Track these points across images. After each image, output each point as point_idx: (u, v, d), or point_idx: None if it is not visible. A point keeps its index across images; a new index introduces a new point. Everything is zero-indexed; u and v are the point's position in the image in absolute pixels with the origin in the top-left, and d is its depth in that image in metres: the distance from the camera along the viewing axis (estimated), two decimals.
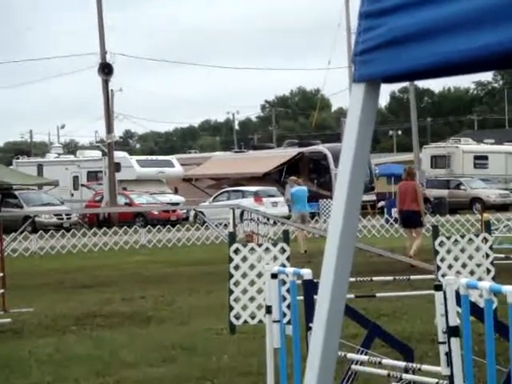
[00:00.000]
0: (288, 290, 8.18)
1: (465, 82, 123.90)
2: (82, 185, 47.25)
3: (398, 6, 1.88)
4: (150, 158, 51.38)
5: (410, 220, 18.39)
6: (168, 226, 31.92)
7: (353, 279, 10.68)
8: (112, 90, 43.70)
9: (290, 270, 7.45)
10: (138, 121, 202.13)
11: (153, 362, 9.26)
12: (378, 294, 10.77)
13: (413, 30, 1.85)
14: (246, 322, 10.56)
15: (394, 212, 34.45)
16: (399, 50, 1.87)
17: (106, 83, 41.22)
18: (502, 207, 42.74)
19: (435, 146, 53.44)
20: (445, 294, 6.13)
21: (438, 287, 6.35)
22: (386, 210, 36.68)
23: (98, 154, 48.00)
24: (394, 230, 30.04)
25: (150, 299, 14.46)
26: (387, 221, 32.67)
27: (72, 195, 47.25)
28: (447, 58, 1.81)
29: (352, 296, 9.68)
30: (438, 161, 50.54)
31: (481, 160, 49.55)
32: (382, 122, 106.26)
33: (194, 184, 48.60)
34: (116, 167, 42.42)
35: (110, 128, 41.54)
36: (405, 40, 1.87)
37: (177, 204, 41.60)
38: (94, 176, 46.94)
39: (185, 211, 40.88)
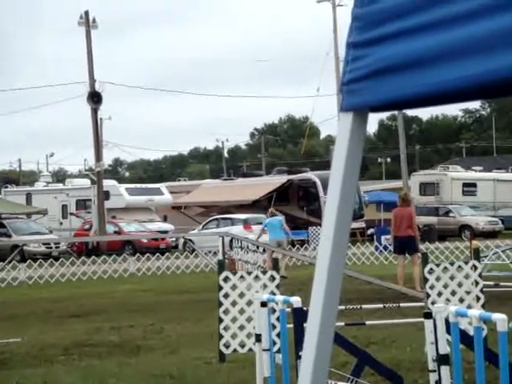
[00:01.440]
0: (278, 318, 8.16)
1: (453, 109, 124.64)
2: (71, 213, 47.16)
3: (386, 36, 1.89)
4: (139, 186, 51.35)
5: (406, 246, 18.47)
6: (157, 254, 31.83)
7: (342, 307, 10.67)
8: (101, 119, 43.65)
9: (279, 297, 7.45)
10: (127, 149, 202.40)
11: None
12: (367, 322, 10.77)
13: (400, 60, 1.86)
14: (235, 350, 10.51)
15: (384, 239, 34.53)
16: (386, 80, 1.89)
17: (95, 112, 41.27)
18: (490, 234, 42.83)
19: (424, 174, 53.63)
20: (434, 321, 6.13)
21: (428, 315, 6.36)
22: (375, 237, 36.70)
23: (86, 182, 47.94)
24: (384, 257, 30.04)
25: (139, 328, 14.40)
26: (377, 248, 32.68)
27: (61, 224, 47.12)
28: (434, 88, 1.83)
29: (342, 324, 9.67)
30: (426, 188, 50.70)
31: (469, 187, 49.73)
32: (370, 149, 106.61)
33: (183, 212, 48.55)
34: (105, 195, 42.36)
35: (98, 156, 41.53)
36: (392, 70, 1.88)
37: (166, 232, 41.54)
38: (82, 204, 46.86)
39: (174, 239, 40.81)
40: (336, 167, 1.97)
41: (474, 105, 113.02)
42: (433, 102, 1.97)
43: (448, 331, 5.80)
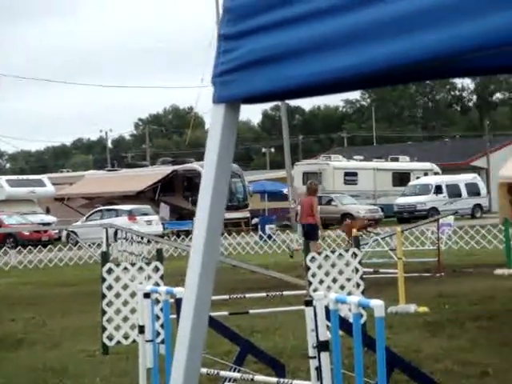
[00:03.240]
0: (162, 309, 8.14)
1: (334, 100, 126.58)
2: None
3: (257, 28, 1.92)
4: (20, 177, 50.22)
5: (307, 233, 18.78)
6: (39, 246, 31.23)
7: (226, 296, 10.73)
8: None
9: (162, 288, 7.43)
10: (8, 140, 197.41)
11: None
12: (251, 311, 10.85)
13: (270, 52, 1.89)
14: (119, 342, 10.44)
15: (269, 228, 34.83)
16: (258, 72, 1.91)
17: None
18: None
19: (307, 163, 54.37)
20: (315, 309, 6.23)
21: (309, 303, 6.46)
22: (259, 226, 36.99)
23: None
24: (268, 246, 30.32)
25: (20, 322, 14.11)
26: (261, 237, 32.96)
27: None
28: (304, 79, 1.86)
29: (225, 313, 9.72)
30: (309, 177, 51.35)
31: (351, 176, 50.70)
32: (254, 139, 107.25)
33: (66, 203, 47.78)
34: None
35: None
36: (263, 62, 1.91)
37: (48, 224, 40.79)
38: None
39: (57, 231, 40.12)
40: (209, 158, 1.98)
41: (355, 95, 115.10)
42: (303, 94, 2.01)
43: (328, 318, 5.91)
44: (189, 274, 1.98)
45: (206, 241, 1.94)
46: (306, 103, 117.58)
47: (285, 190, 45.64)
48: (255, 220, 42.91)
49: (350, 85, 2.01)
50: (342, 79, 1.89)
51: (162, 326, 8.47)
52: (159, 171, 46.88)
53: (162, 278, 10.51)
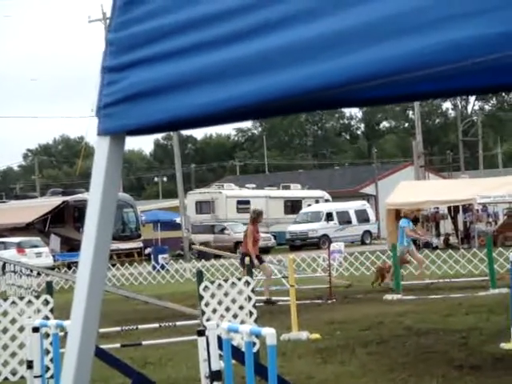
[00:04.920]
0: (51, 343, 7.99)
1: (226, 128, 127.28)
2: None
3: (138, 60, 1.92)
4: None
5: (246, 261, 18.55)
6: None
7: (119, 328, 10.61)
8: None
9: (52, 322, 7.29)
10: None
11: None
12: (144, 342, 10.75)
13: (153, 84, 1.90)
14: (6, 379, 10.16)
15: (161, 258, 34.59)
16: (141, 104, 1.92)
17: None
18: (264, 250, 44.04)
19: (200, 192, 54.40)
20: (207, 338, 6.23)
21: (201, 332, 6.46)
22: (152, 256, 36.73)
23: None
24: (161, 276, 30.13)
25: None
26: (154, 267, 32.72)
27: None
28: (186, 111, 1.88)
29: (118, 345, 9.60)
30: (202, 206, 51.44)
31: (243, 204, 50.95)
32: (147, 169, 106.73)
33: None
34: None
35: None
36: (146, 94, 1.92)
37: None
38: None
39: None
40: (94, 190, 1.98)
41: (247, 124, 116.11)
42: (188, 125, 2.02)
43: (221, 347, 5.91)
44: (74, 305, 1.95)
45: (91, 272, 1.93)
46: (198, 132, 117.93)
47: (178, 220, 45.51)
48: (148, 250, 42.57)
49: (234, 116, 2.03)
50: (226, 111, 1.90)
51: (51, 360, 8.31)
52: (49, 202, 46.10)
53: (52, 311, 10.30)
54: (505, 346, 10.65)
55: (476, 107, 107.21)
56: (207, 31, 1.89)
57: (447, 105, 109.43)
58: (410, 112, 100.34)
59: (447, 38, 1.65)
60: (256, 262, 18.26)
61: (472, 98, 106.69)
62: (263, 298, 17.60)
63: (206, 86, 1.91)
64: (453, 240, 40.58)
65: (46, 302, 10.35)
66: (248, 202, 51.16)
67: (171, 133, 53.50)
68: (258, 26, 1.85)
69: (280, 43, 1.84)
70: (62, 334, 7.16)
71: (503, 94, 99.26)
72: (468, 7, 1.65)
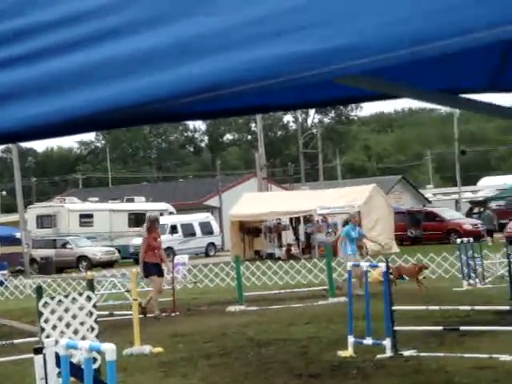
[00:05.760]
0: None
1: (68, 141, 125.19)
2: None
3: None
4: None
5: (146, 271, 17.86)
6: None
7: None
8: None
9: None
10: None
11: None
12: None
13: None
14: None
15: (1, 275, 33.55)
16: None
17: None
18: (107, 264, 43.53)
19: (41, 206, 53.23)
20: (45, 356, 6.10)
21: (38, 350, 6.31)
22: None
23: None
24: (0, 293, 29.23)
25: None
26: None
27: None
28: (18, 123, 1.85)
29: None
30: (43, 220, 50.33)
31: (86, 218, 50.20)
32: None
33: None
34: None
35: None
36: None
37: None
38: None
39: None
40: None
41: (90, 136, 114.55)
42: (24, 137, 1.98)
43: (59, 365, 5.80)
44: None
45: None
46: (39, 145, 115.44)
47: (18, 235, 44.31)
48: None
49: (71, 128, 2.00)
50: (63, 122, 1.88)
51: None
52: None
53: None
54: (342, 353, 10.97)
55: (316, 120, 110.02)
56: (42, 39, 1.87)
57: (288, 118, 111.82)
58: (253, 125, 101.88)
59: (255, 57, 1.70)
60: (146, 273, 17.73)
61: (312, 111, 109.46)
62: (105, 312, 17.36)
63: (40, 96, 1.88)
64: (294, 250, 41.41)
65: None
66: (91, 216, 50.44)
67: (10, 145, 52.12)
68: (91, 36, 1.85)
69: (105, 56, 1.84)
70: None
71: (340, 107, 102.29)
72: (279, 25, 1.71)
